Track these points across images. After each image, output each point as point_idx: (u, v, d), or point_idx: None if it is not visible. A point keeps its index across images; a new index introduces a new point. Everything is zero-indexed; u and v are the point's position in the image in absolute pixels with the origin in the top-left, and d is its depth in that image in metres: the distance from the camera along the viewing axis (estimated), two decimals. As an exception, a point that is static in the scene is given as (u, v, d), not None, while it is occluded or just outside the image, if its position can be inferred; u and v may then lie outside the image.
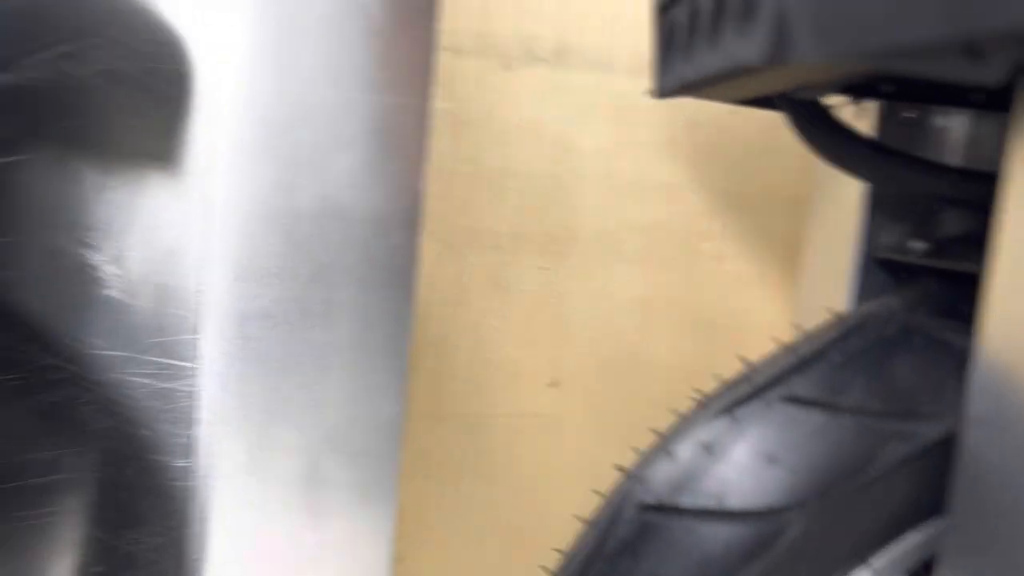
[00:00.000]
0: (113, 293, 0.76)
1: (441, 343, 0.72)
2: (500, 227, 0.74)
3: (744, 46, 0.41)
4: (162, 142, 0.75)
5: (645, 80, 0.85)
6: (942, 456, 0.54)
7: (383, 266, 0.78)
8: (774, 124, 1.00)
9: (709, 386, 0.54)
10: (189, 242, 0.76)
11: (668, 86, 0.52)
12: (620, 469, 0.49)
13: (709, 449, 0.51)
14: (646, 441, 0.55)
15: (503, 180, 0.75)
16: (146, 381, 0.77)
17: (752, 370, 0.56)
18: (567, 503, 0.79)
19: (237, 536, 0.79)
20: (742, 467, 0.48)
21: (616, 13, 0.76)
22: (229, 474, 0.78)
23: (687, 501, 0.47)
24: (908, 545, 0.56)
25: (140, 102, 0.74)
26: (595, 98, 0.75)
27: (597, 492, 0.50)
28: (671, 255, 0.82)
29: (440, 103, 0.71)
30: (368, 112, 0.76)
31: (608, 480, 0.52)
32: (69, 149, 0.74)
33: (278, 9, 0.74)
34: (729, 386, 0.57)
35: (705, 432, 0.51)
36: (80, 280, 0.75)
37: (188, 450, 0.77)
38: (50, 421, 0.76)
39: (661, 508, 0.48)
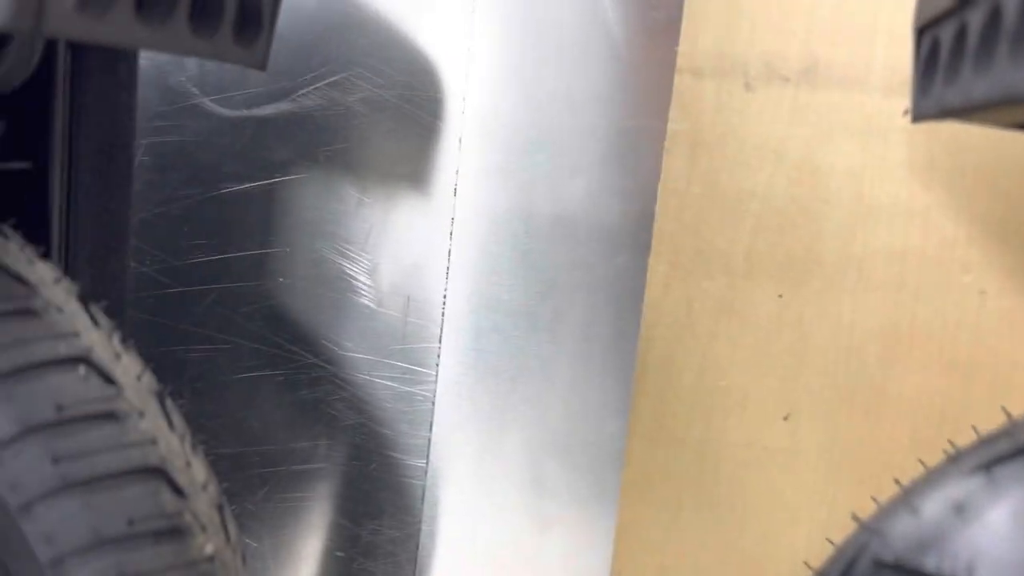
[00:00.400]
0: (365, 301, 0.82)
1: (665, 366, 0.71)
2: (734, 249, 0.72)
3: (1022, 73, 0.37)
4: (414, 163, 0.80)
5: (901, 99, 0.80)
6: None
7: (610, 285, 0.78)
8: (1057, 141, 0.89)
9: (963, 436, 0.50)
10: (434, 257, 0.80)
11: (927, 110, 0.48)
12: (856, 519, 0.46)
13: (960, 509, 0.46)
14: (885, 489, 0.51)
15: (739, 202, 0.73)
16: (390, 384, 0.83)
17: (1015, 424, 0.51)
18: (793, 544, 0.75)
19: (464, 535, 0.83)
20: (998, 534, 0.44)
21: (870, 27, 0.72)
22: (459, 476, 0.82)
23: (931, 564, 0.43)
24: None
25: (397, 126, 0.79)
26: (844, 117, 0.71)
27: (829, 541, 0.48)
28: (925, 285, 0.76)
29: (675, 124, 0.71)
30: (604, 135, 0.77)
31: (841, 527, 0.50)
32: (333, 169, 0.82)
33: (524, 37, 0.77)
34: (987, 439, 0.51)
35: (956, 489, 0.47)
36: (338, 288, 0.83)
37: (424, 451, 0.81)
38: (309, 415, 0.84)
39: (900, 568, 0.44)
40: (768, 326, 0.73)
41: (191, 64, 0.82)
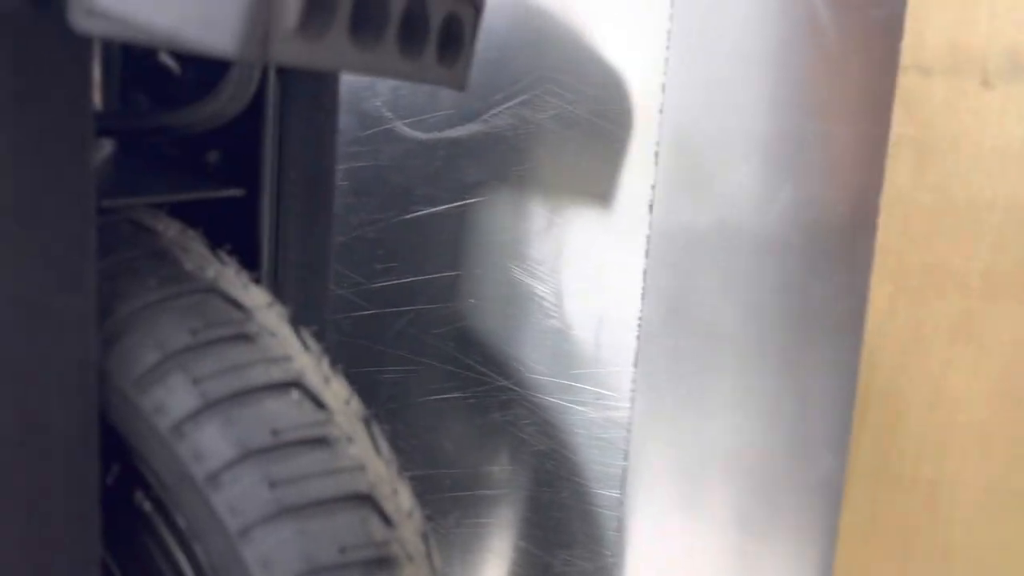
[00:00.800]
0: (556, 323, 0.80)
1: (891, 397, 0.65)
2: (970, 267, 0.64)
3: None
4: (607, 180, 0.77)
5: None
6: None
7: (825, 308, 0.72)
8: None
9: None
10: (628, 277, 0.77)
11: None
12: None
13: None
14: None
15: (976, 213, 0.66)
16: (582, 409, 0.80)
17: None
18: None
19: (659, 573, 0.79)
20: None
21: None
22: (657, 510, 0.78)
23: None
24: None
25: (589, 142, 0.77)
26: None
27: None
28: None
29: (900, 127, 0.64)
30: (815, 143, 0.71)
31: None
32: (525, 189, 0.80)
33: (723, 41, 0.73)
34: None
35: None
36: (529, 309, 0.81)
37: (618, 480, 0.78)
38: (499, 438, 0.83)
39: None
40: (1012, 353, 0.65)
41: (384, 88, 0.83)
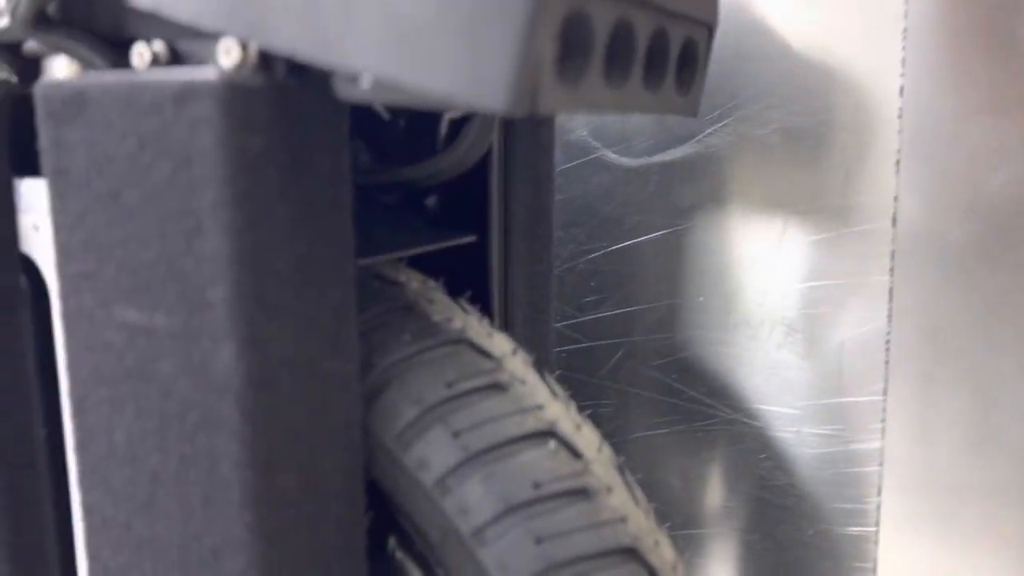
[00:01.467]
0: (788, 350, 0.75)
1: None
2: None
3: None
4: (840, 193, 0.72)
5: None
6: None
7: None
8: None
9: None
10: (872, 296, 0.71)
11: None
12: None
13: None
14: None
15: None
16: (823, 441, 0.74)
17: None
18: None
19: (922, 616, 0.72)
20: None
21: None
22: (916, 550, 0.71)
23: None
24: None
25: (817, 155, 0.72)
26: None
27: None
28: None
29: None
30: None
31: None
32: (747, 209, 0.76)
33: (966, 34, 0.66)
34: None
35: None
36: (757, 337, 0.76)
37: (873, 518, 0.72)
38: (731, 473, 0.79)
39: None
40: None
41: (587, 117, 0.82)
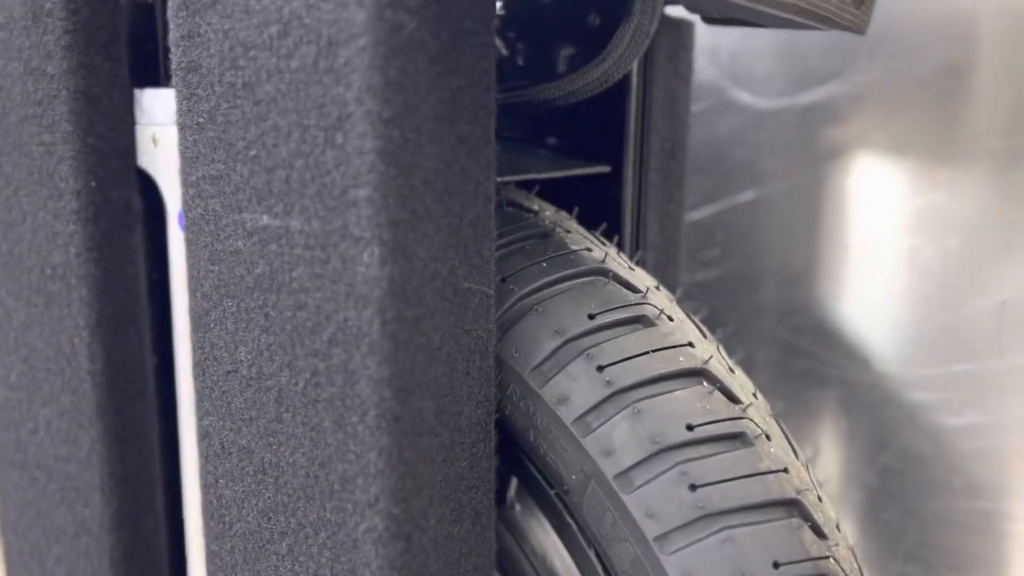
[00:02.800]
0: (938, 309, 0.68)
1: None
2: None
3: None
4: (1004, 136, 0.65)
5: None
6: None
7: None
8: None
9: None
10: (1036, 251, 0.64)
11: None
12: None
13: None
14: None
15: None
16: (976, 410, 0.68)
17: None
18: None
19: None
20: None
21: None
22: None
23: None
24: None
25: (985, 91, 0.65)
26: None
27: None
28: None
29: None
30: None
31: None
32: (898, 151, 0.69)
33: None
34: None
35: None
36: (902, 294, 0.70)
37: (1018, 493, 0.65)
38: (865, 442, 0.72)
39: None
40: None
41: (722, 56, 0.76)
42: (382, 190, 0.39)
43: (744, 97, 0.75)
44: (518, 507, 0.58)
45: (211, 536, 0.49)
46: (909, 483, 0.70)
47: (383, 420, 0.41)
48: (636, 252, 0.61)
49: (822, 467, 0.75)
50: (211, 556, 0.50)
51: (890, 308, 0.70)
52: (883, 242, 0.70)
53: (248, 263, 0.43)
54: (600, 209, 0.61)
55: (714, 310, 0.79)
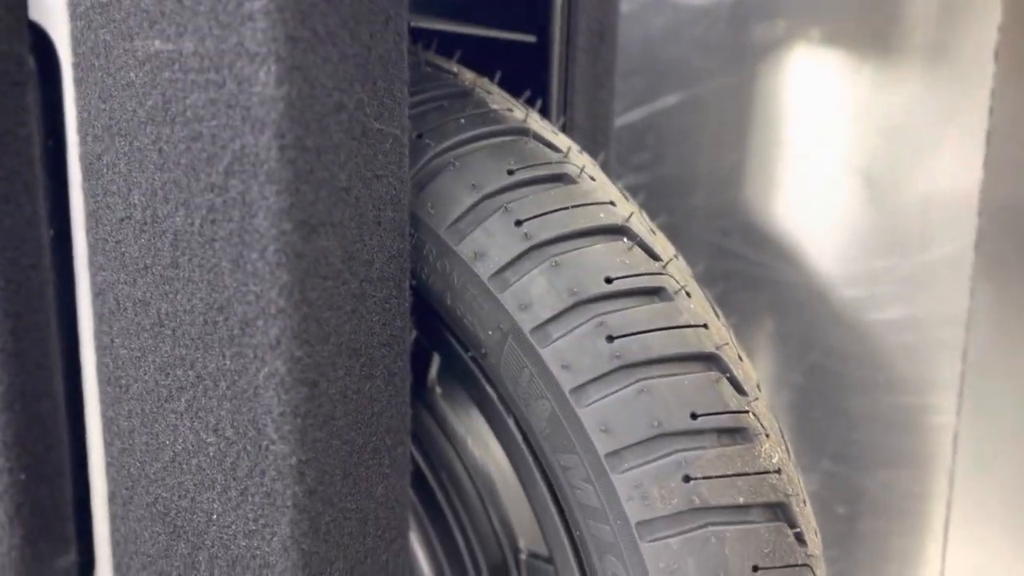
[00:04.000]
0: (870, 207, 0.68)
1: None
2: None
3: None
4: (927, 28, 0.65)
5: None
6: None
7: None
8: None
9: None
10: (964, 149, 0.64)
11: None
12: None
13: None
14: None
15: None
16: (905, 307, 0.68)
17: None
18: None
19: (1006, 497, 0.66)
20: None
21: None
22: (1000, 417, 0.65)
23: None
24: None
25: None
26: None
27: None
28: None
29: None
30: None
31: None
32: (828, 48, 0.69)
33: None
34: None
35: None
36: (834, 194, 0.70)
37: (954, 387, 0.66)
38: (793, 342, 0.72)
39: None
40: None
41: (654, -46, 0.74)
42: (278, 2, 0.36)
43: (677, -6, 0.74)
44: (439, 389, 0.56)
45: (107, 402, 0.47)
46: (836, 381, 0.70)
47: (283, 255, 0.38)
48: (562, 127, 0.60)
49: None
50: (107, 424, 0.47)
51: (819, 207, 0.70)
52: (813, 139, 0.70)
53: (140, 95, 0.40)
54: (528, 85, 0.59)
55: (648, 211, 0.77)
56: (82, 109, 0.43)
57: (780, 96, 0.71)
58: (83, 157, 0.44)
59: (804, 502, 0.45)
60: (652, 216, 0.76)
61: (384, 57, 0.41)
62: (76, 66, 0.43)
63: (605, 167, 0.63)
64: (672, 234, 0.76)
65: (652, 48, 0.75)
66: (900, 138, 0.66)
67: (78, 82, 0.43)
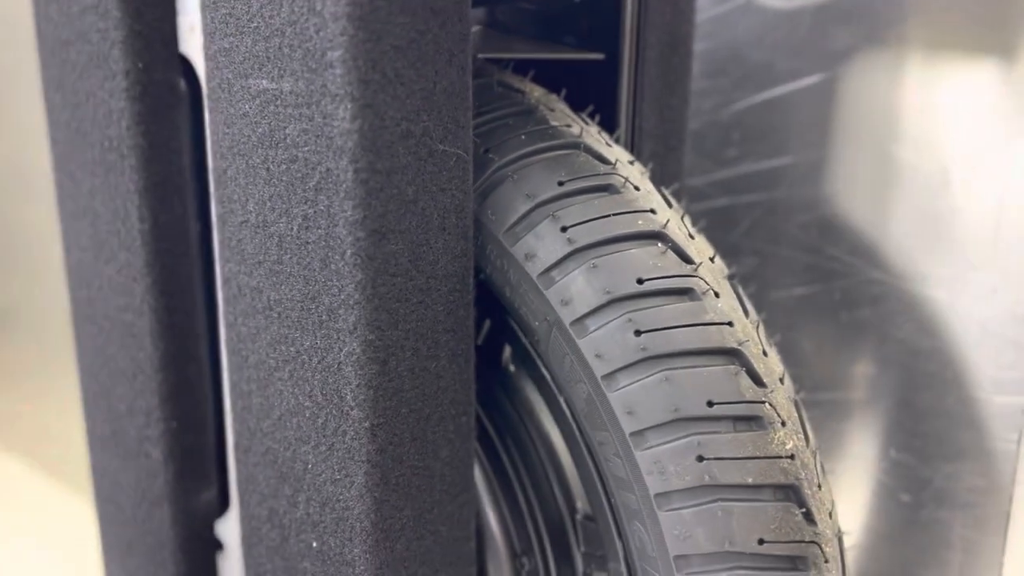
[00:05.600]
0: (943, 206, 0.70)
1: None
2: None
3: None
4: (1011, 34, 0.65)
5: None
6: None
7: None
8: None
9: None
10: (1039, 145, 0.65)
11: None
12: None
13: None
14: None
15: None
16: (974, 303, 0.69)
17: None
18: None
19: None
20: None
21: None
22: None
23: None
24: None
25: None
26: None
27: None
28: None
29: None
30: None
31: None
32: (905, 54, 0.70)
33: None
34: None
35: None
36: (909, 192, 0.71)
37: (1021, 386, 0.67)
38: (870, 336, 0.75)
39: None
40: None
41: (743, -40, 0.78)
42: (352, 52, 0.44)
43: (763, -1, 0.77)
44: (511, 368, 0.64)
45: (232, 368, 0.58)
46: (906, 374, 0.73)
47: (358, 258, 0.47)
48: (631, 143, 0.65)
49: (824, 359, 0.78)
50: (232, 386, 0.58)
51: (895, 205, 0.72)
52: (894, 139, 0.72)
53: (253, 123, 0.50)
54: (599, 98, 0.65)
55: (730, 208, 0.82)
56: (213, 131, 0.54)
57: (861, 97, 0.73)
58: (214, 170, 0.55)
59: (819, 486, 0.50)
60: (740, 213, 0.80)
61: (448, 89, 0.49)
62: (208, 96, 0.54)
63: (671, 171, 0.68)
64: (753, 227, 0.80)
65: (738, 49, 0.79)
66: (980, 139, 0.67)
67: (210, 109, 0.54)
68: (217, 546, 0.69)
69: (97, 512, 0.75)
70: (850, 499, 0.77)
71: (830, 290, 0.76)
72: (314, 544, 0.54)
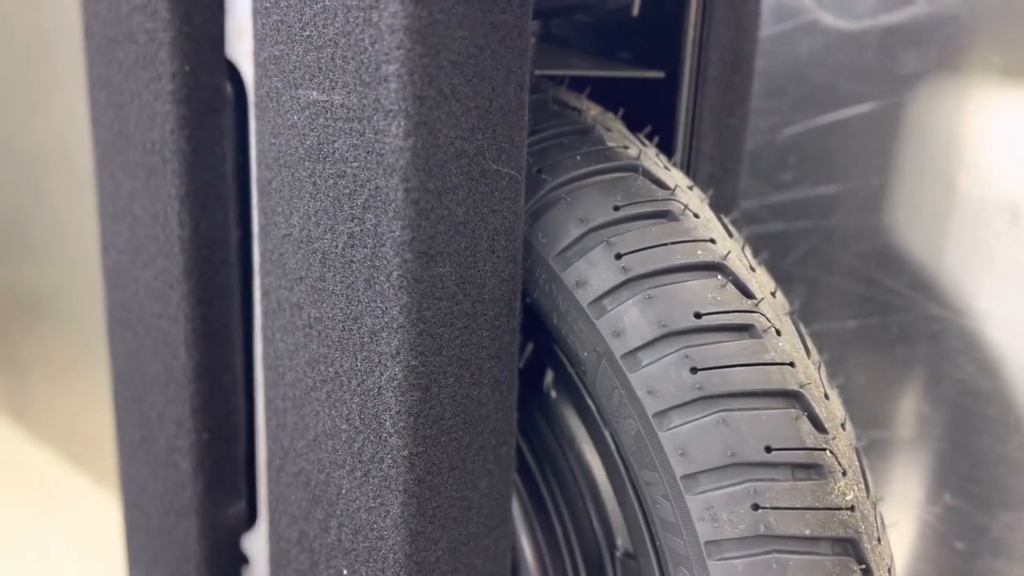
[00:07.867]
0: (1011, 239, 0.66)
1: None
2: None
3: None
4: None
5: None
6: None
7: None
8: None
9: None
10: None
11: None
12: None
13: None
14: None
15: None
16: (1040, 346, 0.66)
17: None
18: None
19: None
20: None
21: None
22: None
23: None
24: None
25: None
26: None
27: None
28: None
29: None
30: None
31: None
32: (976, 80, 0.67)
33: None
34: None
35: None
36: (975, 224, 0.68)
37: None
38: (928, 373, 0.71)
39: None
40: None
41: (808, -24, 0.75)
42: (409, 66, 0.42)
43: (827, 19, 0.74)
44: (553, 394, 0.61)
45: (268, 384, 0.56)
46: (964, 416, 0.69)
47: (404, 280, 0.45)
48: (688, 163, 0.63)
49: (875, 395, 0.74)
50: (267, 402, 0.56)
51: (959, 238, 0.69)
52: (959, 170, 0.68)
53: (301, 135, 0.48)
54: (657, 117, 0.63)
55: (783, 234, 0.79)
56: (259, 140, 0.52)
57: (926, 124, 0.70)
58: (258, 180, 0.53)
59: (878, 540, 0.47)
60: (795, 239, 0.77)
61: (504, 107, 0.47)
62: (256, 105, 0.52)
63: (727, 195, 0.65)
64: (807, 255, 0.77)
65: (799, 69, 0.76)
66: (1053, 173, 0.64)
67: (257, 118, 0.52)
68: (243, 560, 0.68)
69: (124, 518, 0.74)
70: (898, 543, 0.74)
71: (886, 324, 0.73)
72: (344, 572, 0.52)
